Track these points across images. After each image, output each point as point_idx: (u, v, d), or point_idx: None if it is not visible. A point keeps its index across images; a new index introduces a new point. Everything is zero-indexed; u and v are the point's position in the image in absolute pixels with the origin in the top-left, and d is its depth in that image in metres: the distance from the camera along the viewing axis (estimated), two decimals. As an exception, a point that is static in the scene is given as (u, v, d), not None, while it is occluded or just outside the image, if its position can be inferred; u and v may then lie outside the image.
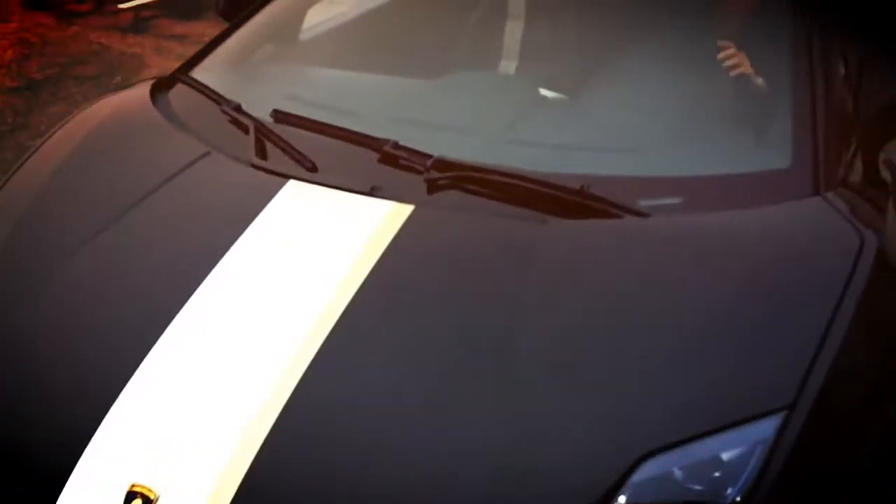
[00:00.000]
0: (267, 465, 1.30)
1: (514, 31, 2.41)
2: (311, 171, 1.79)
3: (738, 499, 1.27)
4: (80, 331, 1.58)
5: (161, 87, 2.21)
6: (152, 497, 1.29)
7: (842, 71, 2.04)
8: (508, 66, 2.37)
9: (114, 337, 1.55)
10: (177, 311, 1.52)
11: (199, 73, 2.22)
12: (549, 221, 1.63)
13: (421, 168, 1.72)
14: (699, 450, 1.30)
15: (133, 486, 1.30)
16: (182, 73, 2.23)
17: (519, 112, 2.03)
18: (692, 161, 1.80)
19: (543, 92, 2.13)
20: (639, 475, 1.27)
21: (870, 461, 1.49)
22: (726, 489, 1.27)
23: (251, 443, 1.32)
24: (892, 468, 1.57)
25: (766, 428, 1.30)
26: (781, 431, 1.30)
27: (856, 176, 1.87)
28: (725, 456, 1.29)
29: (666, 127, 1.95)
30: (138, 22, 5.99)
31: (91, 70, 5.19)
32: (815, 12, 2.03)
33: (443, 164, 1.71)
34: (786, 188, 1.71)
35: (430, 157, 1.73)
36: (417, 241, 1.63)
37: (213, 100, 2.03)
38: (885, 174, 1.99)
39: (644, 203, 1.65)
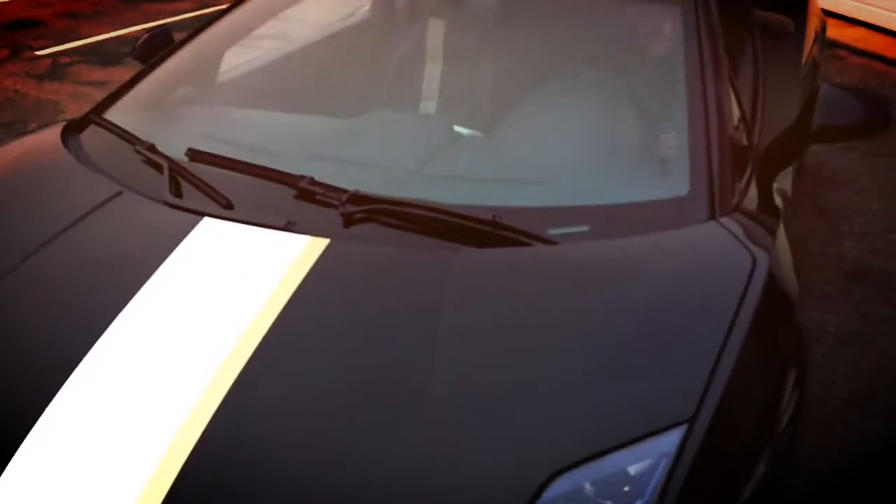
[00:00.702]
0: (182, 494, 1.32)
1: (432, 73, 2.50)
2: (226, 209, 1.81)
3: None
4: None
5: (72, 128, 2.22)
6: None
7: (735, 107, 2.18)
8: (426, 105, 2.46)
9: (20, 376, 1.53)
10: (84, 354, 1.51)
11: (112, 115, 2.23)
12: (462, 251, 1.69)
13: (337, 203, 1.76)
14: (608, 464, 1.35)
15: None
16: (95, 115, 2.23)
17: (435, 149, 2.10)
18: (597, 191, 1.91)
19: (458, 129, 2.21)
20: (551, 492, 1.31)
21: (767, 469, 1.57)
22: (634, 502, 1.33)
23: (166, 475, 1.33)
24: (785, 473, 1.65)
25: (669, 441, 1.37)
26: (684, 443, 1.37)
27: (750, 202, 1.99)
28: (632, 469, 1.35)
29: (573, 160, 2.05)
30: (56, 68, 5.92)
31: (6, 117, 5.09)
32: (704, 52, 2.15)
33: (358, 198, 1.77)
34: (684, 214, 1.82)
35: (345, 191, 1.78)
36: (332, 274, 1.66)
37: (127, 140, 2.04)
38: (777, 201, 2.14)
39: (552, 231, 1.74)
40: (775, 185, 2.18)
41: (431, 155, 2.07)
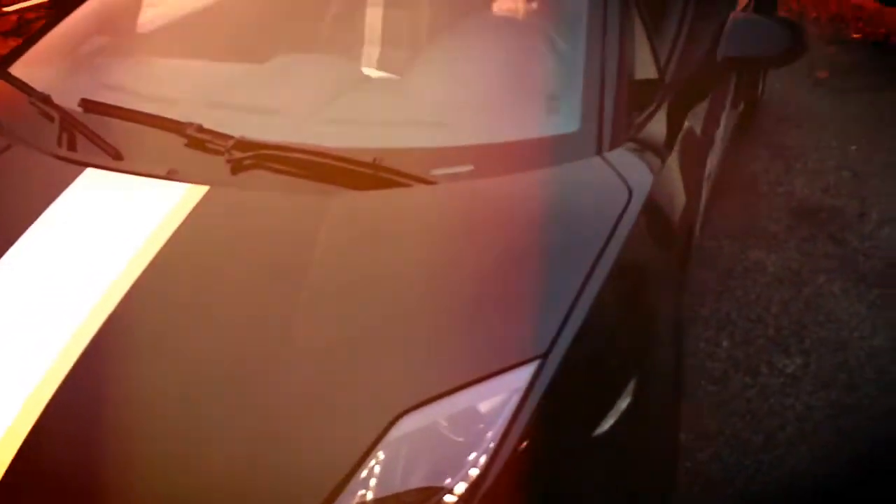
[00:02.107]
0: (39, 438, 1.33)
1: (345, 17, 2.43)
2: (115, 159, 1.79)
3: (493, 445, 1.31)
4: None
5: None
6: None
7: (645, 41, 2.13)
8: (337, 49, 2.37)
9: None
10: None
11: (16, 69, 2.17)
12: (339, 194, 1.67)
13: (223, 149, 1.74)
14: (458, 401, 1.35)
15: None
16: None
17: (336, 92, 2.05)
18: (487, 130, 1.86)
19: (367, 72, 2.18)
20: (397, 430, 1.31)
21: (634, 401, 1.53)
22: (485, 436, 1.33)
23: (28, 414, 1.35)
24: (646, 416, 1.63)
25: (519, 377, 1.36)
26: (534, 379, 1.36)
27: (650, 135, 1.95)
28: (483, 406, 1.35)
29: (468, 100, 2.00)
30: (21, 25, 5.86)
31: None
32: None
33: (244, 145, 1.74)
34: (571, 150, 1.79)
35: (231, 138, 1.75)
36: (208, 221, 1.65)
37: (25, 92, 1.99)
38: (685, 133, 2.11)
39: (435, 172, 1.70)
40: (689, 118, 2.14)
41: (332, 99, 2.01)
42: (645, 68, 2.08)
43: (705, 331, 2.66)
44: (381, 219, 1.66)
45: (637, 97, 1.97)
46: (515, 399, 1.35)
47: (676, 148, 2.01)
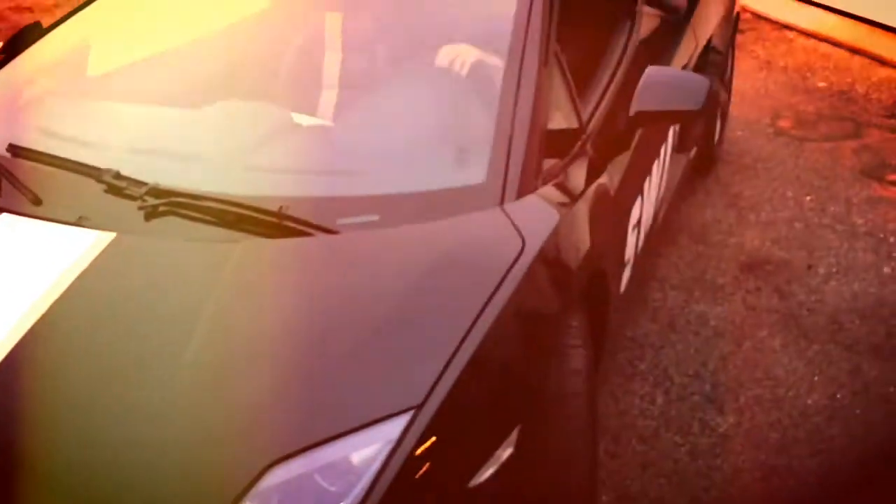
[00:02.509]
0: None
1: (285, 65, 2.48)
2: (34, 204, 1.83)
3: (364, 495, 1.33)
4: None
5: None
6: None
7: (565, 94, 2.17)
8: (274, 96, 2.39)
9: None
10: None
11: None
12: (244, 241, 1.70)
13: (136, 196, 1.78)
14: (332, 451, 1.36)
15: None
16: None
17: (263, 139, 2.08)
18: (399, 181, 1.89)
19: (297, 119, 2.19)
20: (267, 481, 1.33)
21: (507, 458, 1.52)
22: (357, 486, 1.34)
23: None
24: (532, 466, 1.63)
25: (393, 428, 1.38)
26: (407, 429, 1.38)
27: (562, 187, 1.98)
28: (356, 457, 1.37)
29: (386, 151, 2.04)
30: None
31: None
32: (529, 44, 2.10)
33: (158, 192, 1.78)
34: (475, 202, 1.81)
35: (145, 185, 1.79)
36: (112, 267, 1.68)
37: None
38: (599, 184, 2.14)
39: (341, 221, 1.74)
40: (611, 168, 2.19)
41: (257, 146, 2.04)
42: (564, 120, 2.13)
43: (642, 386, 2.64)
44: (278, 267, 1.69)
45: (554, 148, 2.02)
46: (388, 449, 1.36)
47: (590, 197, 2.05)
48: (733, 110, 4.57)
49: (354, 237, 1.72)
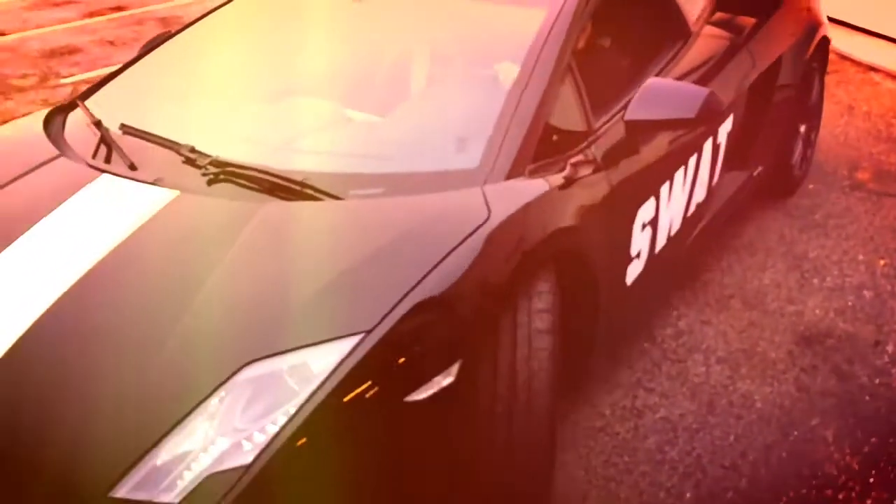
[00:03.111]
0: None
1: (347, 70, 2.93)
2: (131, 169, 2.31)
3: (318, 392, 1.67)
4: None
5: (57, 111, 2.78)
6: None
7: (575, 94, 2.48)
8: (333, 94, 2.78)
9: None
10: None
11: (91, 99, 2.75)
12: (266, 202, 2.13)
13: (202, 165, 2.24)
14: (295, 358, 1.72)
15: None
16: (79, 99, 2.74)
17: (312, 129, 2.55)
18: (403, 163, 2.31)
19: (349, 114, 2.62)
20: (243, 374, 1.69)
21: (446, 385, 1.80)
22: (310, 386, 1.68)
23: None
24: (470, 401, 1.90)
25: (346, 345, 1.72)
26: (356, 347, 1.72)
27: (555, 179, 2.25)
28: (314, 364, 1.71)
29: (407, 140, 2.47)
30: (72, 95, 6.07)
31: (5, 145, 5.24)
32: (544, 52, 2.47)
33: (218, 163, 2.24)
34: (463, 182, 2.16)
35: (209, 157, 2.25)
36: (168, 219, 2.12)
37: (89, 116, 2.55)
38: (593, 180, 2.40)
39: (354, 192, 2.15)
40: (613, 169, 2.45)
41: (307, 133, 2.52)
42: (570, 123, 2.45)
43: (670, 477, 2.39)
44: (291, 221, 2.11)
45: (556, 145, 2.36)
46: (339, 360, 1.70)
47: (584, 189, 2.32)
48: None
49: (356, 203, 2.13)
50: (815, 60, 3.89)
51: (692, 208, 2.99)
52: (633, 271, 2.60)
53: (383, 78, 2.82)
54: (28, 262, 2.06)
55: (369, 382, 1.71)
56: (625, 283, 2.57)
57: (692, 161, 2.89)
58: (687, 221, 2.96)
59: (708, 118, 2.41)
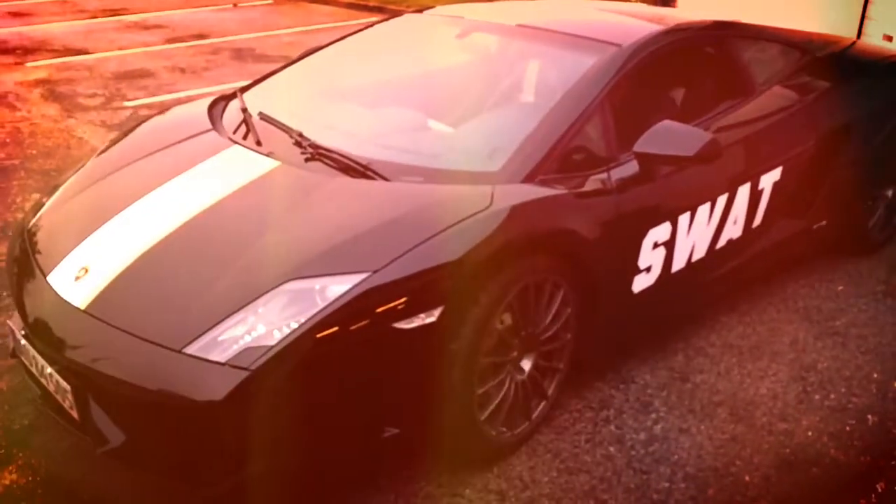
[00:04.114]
0: (133, 271, 2.55)
1: (439, 91, 3.63)
2: (257, 144, 3.04)
3: (333, 306, 2.29)
4: (95, 190, 3.01)
5: (221, 98, 3.59)
6: (86, 270, 2.58)
7: (603, 123, 2.96)
8: (424, 107, 3.38)
9: (109, 197, 2.94)
10: (142, 195, 2.85)
11: (248, 93, 3.54)
12: (337, 177, 2.79)
13: (304, 146, 2.94)
14: (323, 282, 2.34)
15: (82, 267, 2.60)
16: (238, 91, 3.56)
17: (398, 130, 3.17)
18: (454, 163, 2.88)
19: (430, 124, 3.23)
20: (287, 286, 2.35)
21: (430, 321, 2.38)
22: (330, 302, 2.30)
23: (132, 256, 2.59)
24: (451, 337, 2.46)
25: (357, 278, 2.34)
26: (364, 281, 2.33)
27: (577, 188, 2.82)
28: (332, 289, 2.33)
29: (461, 146, 3.07)
30: (130, 120, 6.23)
31: (51, 164, 5.39)
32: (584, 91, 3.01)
33: (313, 146, 2.92)
34: (484, 181, 2.70)
35: (310, 140, 2.94)
36: (267, 180, 2.83)
37: (241, 104, 3.32)
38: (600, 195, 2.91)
39: (403, 178, 2.76)
40: (627, 192, 2.94)
41: (394, 133, 3.13)
42: (595, 150, 2.94)
43: None
44: (349, 190, 2.73)
45: (577, 165, 2.87)
46: (350, 288, 2.32)
47: (590, 201, 2.82)
48: (844, 263, 3.99)
49: (398, 185, 2.74)
50: None
51: (721, 242, 3.37)
52: (642, 282, 3.05)
53: (462, 100, 3.43)
54: (171, 198, 2.82)
55: (369, 307, 2.32)
56: (631, 291, 3.02)
57: (721, 199, 3.29)
58: (716, 252, 3.35)
59: (706, 159, 2.85)
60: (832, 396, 3.06)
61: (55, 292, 2.54)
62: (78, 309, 2.46)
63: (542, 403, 2.84)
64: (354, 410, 2.40)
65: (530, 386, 2.77)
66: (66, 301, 2.50)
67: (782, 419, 2.94)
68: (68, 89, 7.16)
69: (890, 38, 5.82)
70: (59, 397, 2.52)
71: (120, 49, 8.77)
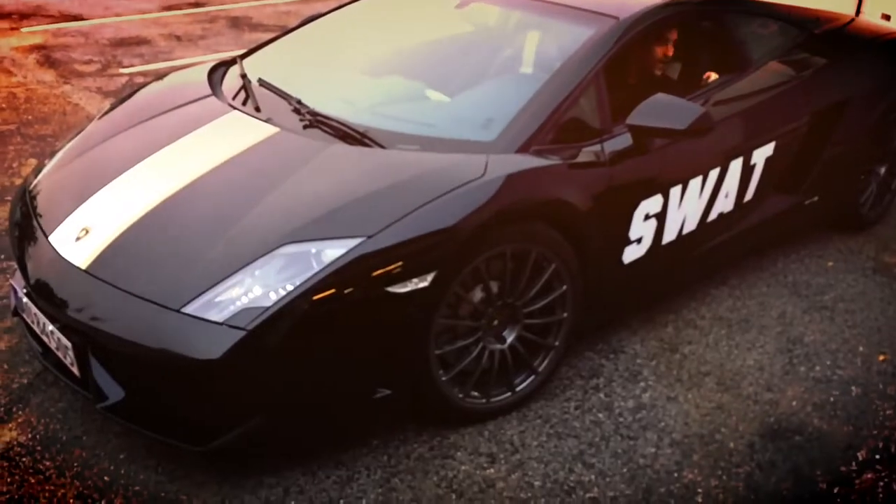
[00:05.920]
0: (133, 232, 2.61)
1: (436, 60, 3.67)
2: (256, 110, 3.09)
3: (329, 269, 2.37)
4: (95, 153, 3.06)
5: (222, 64, 3.65)
6: (87, 231, 2.64)
7: (597, 98, 2.98)
8: (421, 77, 3.44)
9: (109, 160, 2.99)
10: (142, 158, 2.92)
11: (247, 60, 3.57)
12: (334, 143, 2.84)
13: (302, 112, 2.99)
14: (319, 245, 2.41)
15: (83, 228, 2.65)
16: (238, 58, 3.60)
17: (395, 99, 3.24)
18: (444, 131, 2.92)
19: (427, 92, 3.27)
20: (284, 249, 2.41)
21: (422, 286, 2.46)
22: (326, 264, 2.37)
23: (132, 218, 2.65)
24: (434, 300, 2.53)
25: (352, 241, 2.41)
26: (359, 245, 2.40)
27: (569, 159, 2.86)
28: (327, 252, 2.40)
29: (454, 114, 3.12)
30: (126, 87, 6.22)
31: (47, 130, 5.39)
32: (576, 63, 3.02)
33: (312, 113, 2.98)
34: (480, 150, 2.76)
35: (308, 108, 3.00)
36: (266, 145, 2.88)
37: (241, 70, 3.38)
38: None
39: (399, 146, 2.81)
40: (620, 164, 2.97)
41: (390, 102, 3.20)
42: (588, 122, 2.98)
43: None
44: (347, 156, 2.79)
45: (570, 136, 2.90)
46: (344, 251, 2.38)
47: (581, 172, 2.86)
48: (835, 239, 4.04)
49: (395, 152, 2.78)
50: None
51: (713, 215, 3.38)
52: (633, 253, 3.09)
53: (460, 69, 3.47)
54: (170, 162, 2.88)
55: (364, 271, 2.38)
56: (621, 261, 3.06)
57: (713, 173, 3.31)
58: (707, 226, 3.37)
59: (698, 132, 2.90)
60: (817, 368, 3.12)
61: (57, 252, 2.59)
62: (79, 269, 2.51)
63: (532, 377, 2.86)
64: (347, 371, 2.45)
65: (512, 357, 2.79)
66: (67, 261, 2.55)
67: (768, 389, 3.00)
68: (64, 55, 7.13)
69: (888, 17, 5.82)
70: (60, 354, 2.57)
71: (116, 16, 8.72)
